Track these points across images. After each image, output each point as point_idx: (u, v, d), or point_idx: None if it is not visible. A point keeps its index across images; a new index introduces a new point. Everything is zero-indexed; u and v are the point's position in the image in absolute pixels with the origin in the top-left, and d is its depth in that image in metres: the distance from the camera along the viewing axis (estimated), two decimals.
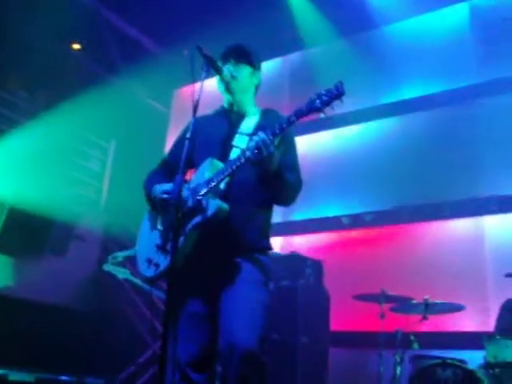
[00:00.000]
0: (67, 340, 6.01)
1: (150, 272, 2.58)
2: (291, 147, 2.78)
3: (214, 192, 2.52)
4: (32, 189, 6.13)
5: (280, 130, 2.39)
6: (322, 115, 2.32)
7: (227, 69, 2.81)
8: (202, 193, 2.49)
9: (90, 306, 6.82)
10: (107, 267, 5.46)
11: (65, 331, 6.12)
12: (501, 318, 4.29)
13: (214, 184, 2.49)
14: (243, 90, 2.88)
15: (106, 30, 7.45)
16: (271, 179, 2.53)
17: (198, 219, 2.48)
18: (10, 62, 6.46)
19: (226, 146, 2.66)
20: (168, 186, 2.59)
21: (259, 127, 2.66)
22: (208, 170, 2.57)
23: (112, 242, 7.17)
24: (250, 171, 2.54)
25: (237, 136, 2.74)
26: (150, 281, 2.63)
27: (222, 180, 2.51)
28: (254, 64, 2.93)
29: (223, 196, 2.55)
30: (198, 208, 2.48)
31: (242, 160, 2.44)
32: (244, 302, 2.46)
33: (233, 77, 2.82)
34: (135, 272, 5.75)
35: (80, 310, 6.69)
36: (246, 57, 2.89)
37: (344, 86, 2.26)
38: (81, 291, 6.90)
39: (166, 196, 2.58)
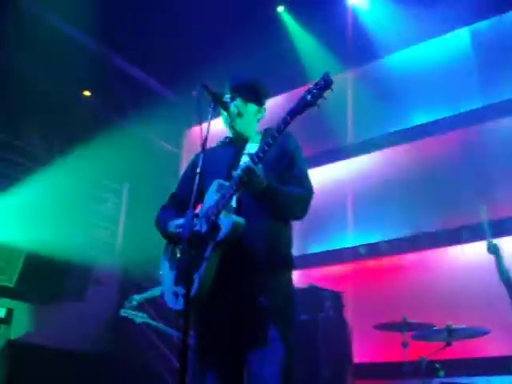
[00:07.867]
0: None
1: (179, 305, 2.54)
2: (297, 158, 2.78)
3: (227, 210, 2.51)
4: (48, 234, 6.16)
5: (273, 139, 2.41)
6: (316, 108, 2.36)
7: (234, 105, 2.84)
8: (215, 213, 2.50)
9: (110, 349, 6.77)
10: (124, 312, 5.42)
11: (85, 376, 6.05)
12: None
13: (224, 201, 2.49)
14: (247, 125, 2.90)
15: (114, 75, 7.58)
16: (262, 200, 2.54)
17: (216, 239, 2.46)
18: (24, 110, 6.60)
19: (233, 167, 2.62)
20: (181, 221, 2.58)
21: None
22: (216, 192, 2.58)
23: (130, 284, 7.16)
24: None
25: (243, 156, 2.74)
26: (182, 313, 2.61)
27: (231, 196, 2.50)
28: (262, 102, 2.95)
29: (237, 212, 2.54)
30: (214, 228, 2.48)
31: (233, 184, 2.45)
32: (269, 365, 2.43)
33: (239, 114, 2.84)
34: (154, 314, 5.74)
35: (100, 355, 6.64)
36: (255, 95, 2.91)
37: (331, 76, 2.32)
38: (101, 335, 6.86)
39: (180, 230, 2.56)
